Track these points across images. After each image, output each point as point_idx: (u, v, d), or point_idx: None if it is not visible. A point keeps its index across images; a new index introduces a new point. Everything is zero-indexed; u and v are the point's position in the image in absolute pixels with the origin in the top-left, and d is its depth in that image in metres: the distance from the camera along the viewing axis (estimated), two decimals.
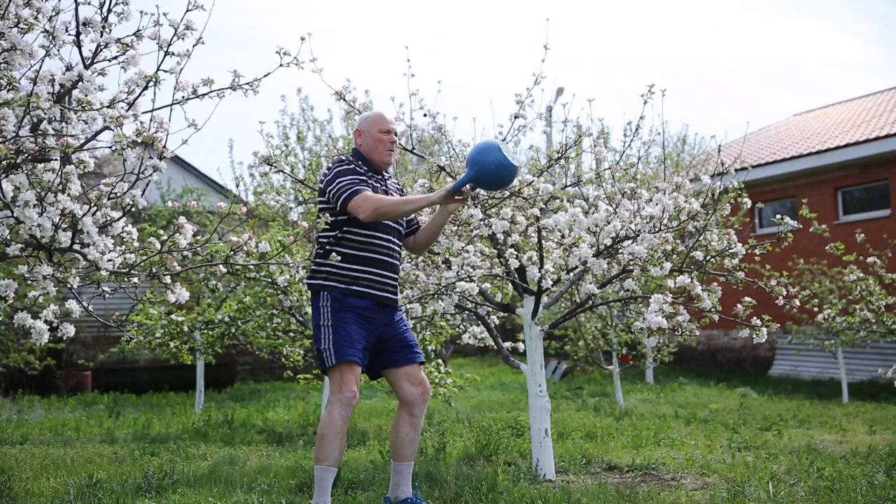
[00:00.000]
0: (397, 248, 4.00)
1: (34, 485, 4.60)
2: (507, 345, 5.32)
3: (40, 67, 3.02)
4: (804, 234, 6.42)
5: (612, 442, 6.35)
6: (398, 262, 4.02)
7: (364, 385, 9.79)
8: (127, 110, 3.05)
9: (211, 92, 3.22)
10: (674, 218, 4.75)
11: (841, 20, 49.14)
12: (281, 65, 3.47)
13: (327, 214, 3.58)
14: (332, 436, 3.64)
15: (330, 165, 4.01)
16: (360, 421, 7.77)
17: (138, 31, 3.17)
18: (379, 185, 3.97)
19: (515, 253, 4.86)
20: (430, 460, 5.29)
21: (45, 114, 2.95)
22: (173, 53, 3.18)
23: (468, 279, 4.74)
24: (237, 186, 13.71)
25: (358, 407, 8.89)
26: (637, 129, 5.29)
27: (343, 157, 4.02)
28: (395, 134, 4.07)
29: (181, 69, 3.19)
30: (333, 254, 3.67)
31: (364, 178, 3.88)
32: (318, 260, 3.89)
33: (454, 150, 5.53)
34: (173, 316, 8.12)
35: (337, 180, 3.83)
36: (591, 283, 4.99)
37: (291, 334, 8.12)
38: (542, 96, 6.18)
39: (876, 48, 47.12)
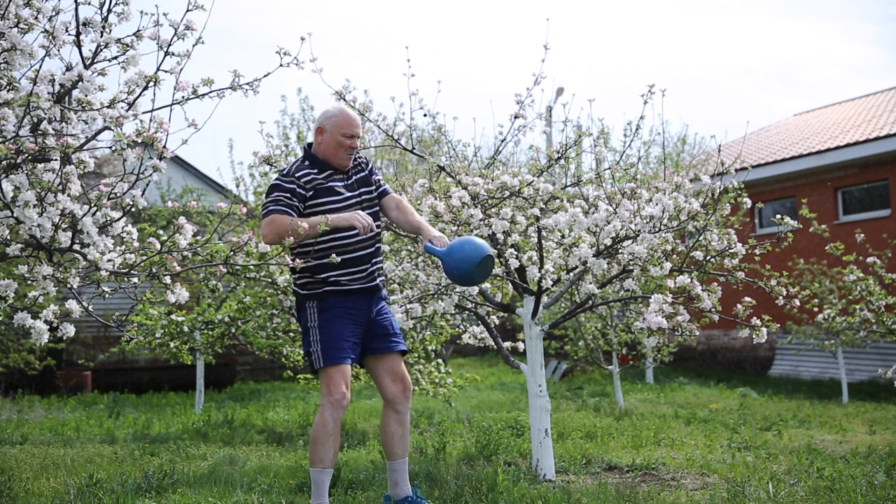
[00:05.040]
0: (366, 238, 3.82)
1: (34, 485, 4.60)
2: (507, 345, 5.31)
3: (40, 67, 3.03)
4: (804, 234, 6.42)
5: (612, 442, 6.35)
6: (371, 249, 3.85)
7: (364, 385, 9.79)
8: (127, 110, 3.06)
9: (211, 92, 3.22)
10: (674, 218, 4.75)
11: (841, 20, 49.15)
12: (281, 65, 3.47)
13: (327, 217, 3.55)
14: (324, 438, 3.64)
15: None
16: (360, 421, 7.77)
17: (138, 31, 3.17)
18: (339, 183, 3.83)
19: (515, 253, 4.85)
20: (430, 460, 5.28)
21: (45, 114, 2.95)
22: (173, 53, 3.18)
23: None
24: (237, 186, 13.71)
25: (358, 407, 8.88)
26: (637, 129, 5.28)
27: (286, 168, 3.83)
28: (359, 137, 3.86)
29: (181, 69, 3.19)
30: (333, 255, 3.54)
31: (286, 195, 3.70)
32: (297, 273, 3.82)
33: (454, 150, 5.53)
34: (173, 316, 8.11)
35: (267, 195, 3.76)
36: (591, 283, 4.99)
37: (291, 334, 8.11)
38: (542, 96, 6.18)
39: (876, 49, 47.13)
